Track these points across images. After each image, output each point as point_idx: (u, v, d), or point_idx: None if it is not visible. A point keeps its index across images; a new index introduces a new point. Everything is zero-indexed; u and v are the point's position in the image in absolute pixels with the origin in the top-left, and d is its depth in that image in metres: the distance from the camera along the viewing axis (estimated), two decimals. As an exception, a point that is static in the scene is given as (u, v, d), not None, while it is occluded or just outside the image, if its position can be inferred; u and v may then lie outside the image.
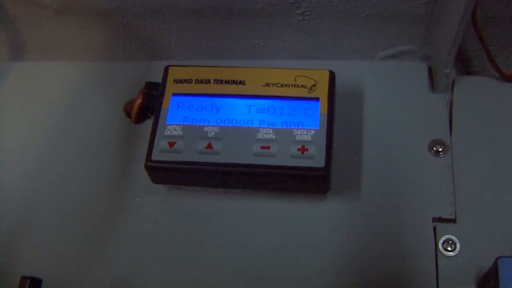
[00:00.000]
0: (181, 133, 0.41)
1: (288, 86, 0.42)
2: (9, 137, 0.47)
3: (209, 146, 0.41)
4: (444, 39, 0.42)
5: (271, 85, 0.43)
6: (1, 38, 0.50)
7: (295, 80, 0.42)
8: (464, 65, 0.48)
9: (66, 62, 0.50)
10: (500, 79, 0.45)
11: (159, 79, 0.44)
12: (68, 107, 0.48)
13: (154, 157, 0.41)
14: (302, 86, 0.42)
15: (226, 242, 0.42)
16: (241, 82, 0.43)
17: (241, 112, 0.42)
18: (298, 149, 0.40)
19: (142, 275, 0.41)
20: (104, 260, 0.42)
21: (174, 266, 0.41)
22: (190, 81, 0.43)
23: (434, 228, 0.41)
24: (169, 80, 0.43)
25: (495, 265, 0.36)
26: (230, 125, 0.41)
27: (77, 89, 0.48)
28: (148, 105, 0.44)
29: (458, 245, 0.40)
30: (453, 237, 0.40)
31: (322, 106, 0.41)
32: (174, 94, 0.43)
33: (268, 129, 0.41)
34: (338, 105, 0.43)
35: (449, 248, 0.40)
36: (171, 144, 0.41)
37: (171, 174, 0.42)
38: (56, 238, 0.43)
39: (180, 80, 0.43)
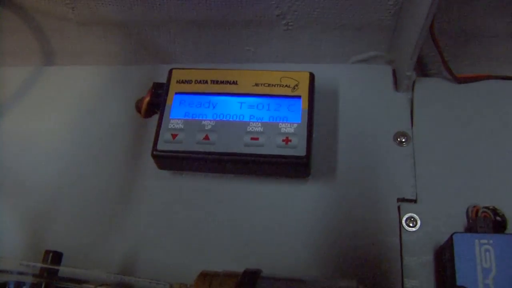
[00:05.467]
0: (182, 126, 0.36)
1: (274, 85, 0.37)
2: (42, 133, 0.41)
3: (206, 137, 0.36)
4: (407, 46, 0.37)
5: (260, 85, 0.38)
6: (34, 46, 0.44)
7: (280, 81, 0.37)
8: (423, 68, 0.42)
9: (89, 66, 0.44)
10: (453, 80, 0.40)
11: (164, 80, 0.39)
12: (90, 105, 0.42)
13: (159, 147, 0.36)
14: (286, 85, 0.37)
15: (222, 219, 0.37)
16: (234, 82, 0.38)
17: (234, 108, 0.37)
18: (283, 140, 0.35)
19: (150, 247, 0.36)
20: (118, 234, 0.37)
21: (177, 238, 0.37)
22: (191, 81, 0.38)
23: (399, 208, 0.36)
24: (173, 81, 0.38)
25: (450, 239, 0.32)
26: (224, 119, 0.36)
27: (97, 89, 0.43)
28: (155, 102, 0.39)
29: (418, 222, 0.35)
30: (415, 215, 0.36)
31: (303, 103, 0.37)
32: (177, 93, 0.38)
33: (257, 123, 0.36)
34: (317, 102, 0.38)
35: (411, 224, 0.35)
36: (174, 136, 0.36)
37: (174, 161, 0.37)
38: (78, 217, 0.38)
39: (182, 80, 0.38)
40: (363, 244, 0.35)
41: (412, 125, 0.38)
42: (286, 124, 0.36)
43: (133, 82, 0.43)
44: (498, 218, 0.34)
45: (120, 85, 0.43)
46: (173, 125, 0.36)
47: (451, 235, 0.32)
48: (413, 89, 0.40)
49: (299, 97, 0.37)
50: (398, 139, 0.38)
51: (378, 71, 0.41)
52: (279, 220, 0.36)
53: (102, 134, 0.41)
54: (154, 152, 0.36)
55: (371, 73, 0.41)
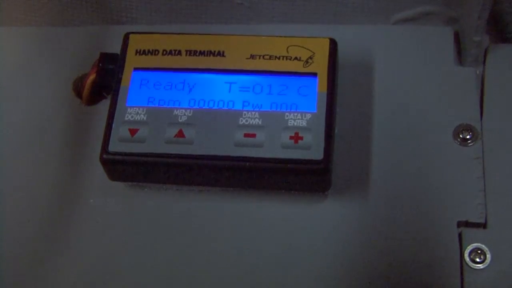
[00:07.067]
0: (145, 118, 0.42)
1: (279, 58, 0.43)
2: None
3: (180, 133, 0.42)
4: None
5: (257, 57, 0.44)
6: None
7: (288, 51, 0.43)
8: (499, 31, 0.48)
9: (2, 27, 0.50)
10: (545, 48, 0.46)
11: (117, 49, 0.45)
12: (4, 84, 0.48)
13: (112, 148, 0.42)
14: (295, 58, 0.43)
15: (202, 252, 0.43)
16: (220, 54, 0.44)
17: (219, 91, 0.43)
18: (291, 137, 0.41)
19: None
20: (50, 273, 0.43)
21: (137, 281, 0.42)
22: (156, 52, 0.44)
23: (460, 235, 0.42)
24: (130, 51, 0.44)
25: None
26: (206, 107, 0.42)
27: (14, 61, 0.49)
28: (103, 82, 0.45)
29: (488, 256, 0.41)
30: (483, 245, 0.41)
31: (320, 84, 0.42)
32: (136, 69, 0.44)
33: (253, 113, 0.42)
34: (341, 82, 0.44)
35: (477, 259, 0.41)
36: (133, 132, 0.42)
37: (133, 168, 0.42)
38: None
39: (144, 51, 0.44)
40: (408, 288, 0.41)
41: (481, 116, 0.44)
42: (296, 114, 0.42)
43: (69, 51, 0.49)
44: None
45: (50, 56, 0.49)
46: (132, 116, 0.42)
47: (534, 274, 0.37)
48: (484, 62, 0.46)
49: (314, 74, 0.43)
50: (461, 136, 0.44)
51: (432, 36, 0.47)
52: (285, 252, 0.42)
53: (24, 131, 0.47)
54: (104, 156, 0.42)
55: (422, 38, 0.47)
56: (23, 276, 0.43)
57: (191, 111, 0.42)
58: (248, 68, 0.43)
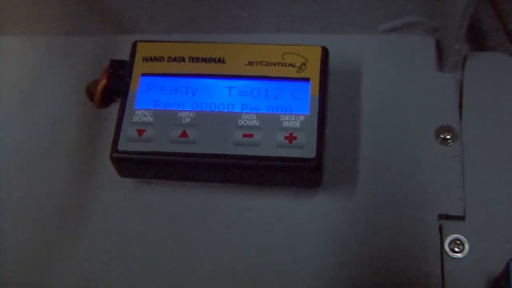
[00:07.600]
0: (151, 119, 0.45)
1: (275, 64, 0.46)
2: None
3: (184, 134, 0.44)
4: (454, 9, 0.45)
5: (255, 63, 0.46)
6: None
7: (283, 58, 0.46)
8: (477, 40, 0.51)
9: (18, 37, 0.53)
10: (520, 56, 0.48)
11: (126, 57, 0.47)
12: (21, 89, 0.51)
13: (121, 147, 0.44)
14: (290, 64, 0.46)
15: (204, 243, 0.46)
16: (221, 60, 0.46)
17: (220, 95, 0.45)
18: (286, 137, 0.44)
19: (107, 282, 0.45)
20: (64, 265, 0.46)
21: (145, 271, 0.45)
22: (162, 59, 0.46)
23: (440, 227, 0.44)
24: (138, 58, 0.47)
25: (507, 267, 0.39)
26: (207, 110, 0.45)
27: (32, 68, 0.52)
28: (113, 86, 0.47)
29: (466, 246, 0.43)
30: (461, 236, 0.44)
31: (313, 88, 0.45)
32: (143, 74, 0.46)
33: (251, 115, 0.44)
34: (332, 87, 0.47)
35: (456, 249, 0.43)
36: (140, 132, 0.44)
37: (140, 166, 0.45)
38: (9, 242, 0.46)
39: (151, 58, 0.47)
40: (392, 277, 0.43)
41: (460, 117, 0.47)
42: (290, 116, 0.44)
43: (82, 59, 0.51)
44: None
45: (65, 63, 0.52)
46: (139, 118, 0.45)
47: (508, 262, 0.38)
48: (463, 68, 0.48)
49: (307, 80, 0.45)
50: (442, 136, 0.46)
51: (415, 44, 0.50)
52: (280, 244, 0.45)
53: (40, 131, 0.49)
54: (114, 154, 0.44)
55: (406, 46, 0.50)
56: (34, 270, 0.46)
57: (194, 113, 0.45)
58: (246, 73, 0.46)
